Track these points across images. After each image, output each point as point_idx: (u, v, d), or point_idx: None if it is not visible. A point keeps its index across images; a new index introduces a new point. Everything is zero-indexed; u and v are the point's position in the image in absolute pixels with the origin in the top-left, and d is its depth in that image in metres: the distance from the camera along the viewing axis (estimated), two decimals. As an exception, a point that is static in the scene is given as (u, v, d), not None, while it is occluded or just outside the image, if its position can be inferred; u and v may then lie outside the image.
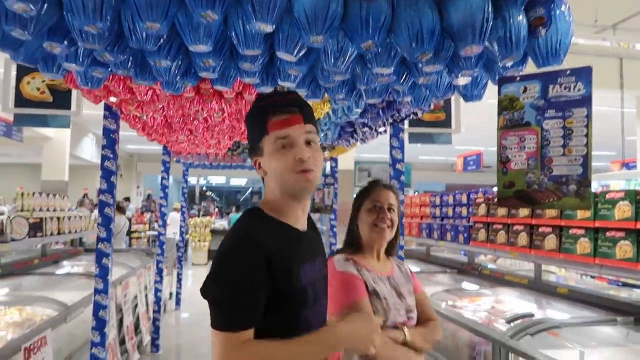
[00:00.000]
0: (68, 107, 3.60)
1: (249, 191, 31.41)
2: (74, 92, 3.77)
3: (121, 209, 8.98)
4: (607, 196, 2.65)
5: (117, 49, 1.66)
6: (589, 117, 1.50)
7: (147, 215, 13.29)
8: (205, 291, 1.16)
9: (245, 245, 1.16)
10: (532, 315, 2.80)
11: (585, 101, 1.51)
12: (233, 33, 1.57)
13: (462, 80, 1.96)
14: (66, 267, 5.13)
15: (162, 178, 5.75)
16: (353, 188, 10.62)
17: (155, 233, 12.28)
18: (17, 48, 1.69)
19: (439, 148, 13.29)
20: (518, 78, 1.62)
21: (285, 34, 1.58)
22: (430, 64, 1.68)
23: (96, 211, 7.31)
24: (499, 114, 1.67)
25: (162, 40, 1.65)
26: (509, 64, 1.69)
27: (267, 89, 2.17)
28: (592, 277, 4.77)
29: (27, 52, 1.75)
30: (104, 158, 3.08)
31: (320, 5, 1.42)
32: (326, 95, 2.31)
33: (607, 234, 2.63)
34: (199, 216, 14.63)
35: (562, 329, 2.57)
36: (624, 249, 2.52)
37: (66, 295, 3.42)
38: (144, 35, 1.54)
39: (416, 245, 6.21)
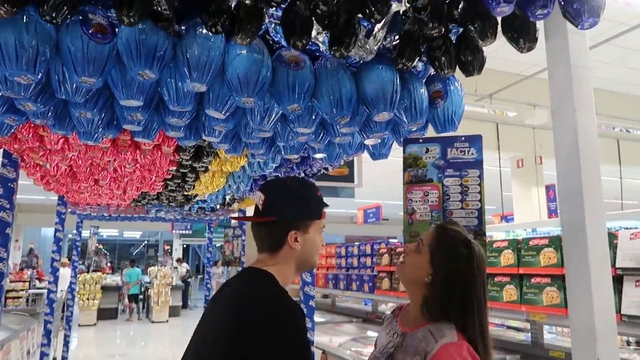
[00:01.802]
0: None
1: (143, 244, 29.73)
2: None
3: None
4: (494, 245, 3.00)
5: (41, 99, 1.65)
6: (481, 177, 1.76)
7: (28, 272, 12.03)
8: None
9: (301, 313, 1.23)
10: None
11: (478, 163, 1.77)
12: (165, 90, 1.64)
13: (372, 141, 2.18)
14: None
15: (56, 230, 5.35)
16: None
17: (37, 291, 11.14)
18: None
19: (341, 201, 13.83)
20: (421, 140, 1.86)
21: (216, 94, 1.68)
22: (347, 127, 1.87)
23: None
24: (404, 170, 1.88)
25: (90, 93, 1.67)
26: (414, 129, 1.94)
27: (190, 143, 2.23)
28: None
29: None
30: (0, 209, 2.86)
31: (252, 70, 1.56)
32: (245, 149, 2.42)
33: (495, 279, 2.95)
34: (88, 272, 13.52)
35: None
36: (510, 292, 2.84)
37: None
38: (73, 88, 1.55)
39: (321, 297, 6.32)
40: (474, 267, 1.31)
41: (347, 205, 17.24)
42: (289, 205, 1.36)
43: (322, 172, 3.27)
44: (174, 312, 13.47)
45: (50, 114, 1.83)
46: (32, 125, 2.25)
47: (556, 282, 2.51)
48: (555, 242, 2.56)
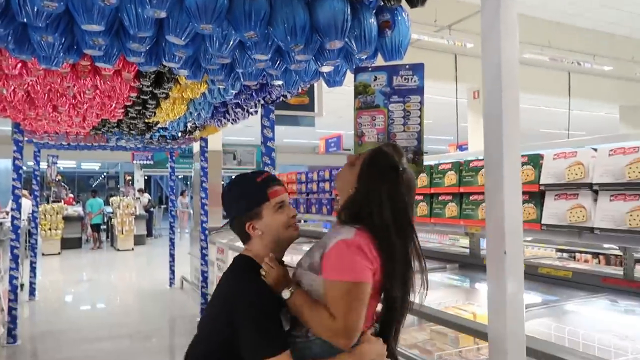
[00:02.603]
0: None
1: (103, 175, 29.28)
2: None
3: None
4: (439, 167, 3.27)
5: (0, 23, 1.69)
6: (422, 102, 1.95)
7: (-15, 203, 11.83)
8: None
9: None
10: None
11: (419, 90, 1.95)
12: (125, 15, 1.71)
13: (326, 68, 2.31)
14: None
15: (15, 159, 5.32)
16: (220, 171, 10.73)
17: (-3, 221, 11.06)
18: None
19: (303, 131, 13.96)
20: (370, 69, 2.01)
21: (176, 20, 1.77)
22: (301, 54, 2.00)
23: None
24: (355, 97, 2.04)
25: (51, 17, 1.71)
26: (364, 57, 2.08)
27: (150, 68, 2.31)
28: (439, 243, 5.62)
29: None
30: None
31: (209, -3, 1.64)
32: (205, 75, 2.51)
33: (440, 197, 3.25)
34: (48, 202, 13.40)
35: (406, 276, 3.14)
36: (452, 209, 3.15)
37: None
38: (35, 11, 1.60)
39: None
40: (399, 191, 1.44)
41: (310, 135, 17.41)
42: (233, 206, 1.60)
43: (281, 99, 3.39)
44: (139, 240, 13.70)
45: (10, 37, 1.86)
46: (-11, 49, 2.26)
47: (490, 199, 2.81)
48: (492, 164, 2.83)
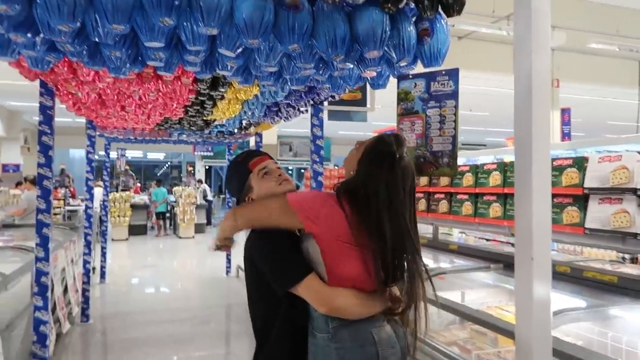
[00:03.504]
0: None
1: (167, 165, 30.69)
2: None
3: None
4: (484, 167, 3.28)
5: (77, 42, 1.92)
6: (456, 107, 2.02)
7: (62, 191, 12.82)
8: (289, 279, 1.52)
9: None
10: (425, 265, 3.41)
11: (454, 95, 2.02)
12: (182, 32, 1.90)
13: (369, 74, 2.41)
14: (-13, 242, 5.09)
15: (88, 152, 5.79)
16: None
17: (72, 208, 11.97)
18: (-18, 37, 1.89)
19: (357, 124, 14.00)
20: (410, 76, 2.10)
21: (227, 35, 1.93)
22: (342, 63, 2.11)
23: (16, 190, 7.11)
24: (398, 104, 2.14)
25: (119, 36, 1.93)
26: (403, 64, 2.16)
27: (206, 76, 2.50)
28: (487, 240, 5.56)
29: (-12, 40, 1.95)
30: (41, 133, 3.23)
31: (256, 15, 1.79)
32: (256, 80, 2.68)
33: (484, 197, 3.27)
34: (117, 191, 14.31)
35: (448, 274, 3.20)
36: (496, 209, 3.17)
37: (1, 267, 3.54)
38: (105, 32, 1.82)
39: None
40: (396, 177, 1.52)
41: (364, 127, 17.40)
42: (232, 190, 1.81)
43: (329, 99, 3.52)
44: (199, 229, 14.35)
45: (84, 53, 2.10)
46: (67, 60, 2.53)
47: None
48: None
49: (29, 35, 1.86)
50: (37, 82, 3.19)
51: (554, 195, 2.72)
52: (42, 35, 1.85)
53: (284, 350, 1.60)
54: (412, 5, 2.10)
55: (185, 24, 1.85)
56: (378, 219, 1.50)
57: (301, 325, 1.60)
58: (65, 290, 5.09)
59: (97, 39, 1.87)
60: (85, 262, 5.58)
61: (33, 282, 3.22)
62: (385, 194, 1.50)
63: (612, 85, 10.70)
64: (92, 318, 5.57)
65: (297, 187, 1.81)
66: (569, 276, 2.93)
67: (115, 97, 3.58)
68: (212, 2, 1.72)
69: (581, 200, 2.55)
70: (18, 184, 10.13)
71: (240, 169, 1.77)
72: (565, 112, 10.38)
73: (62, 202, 12.38)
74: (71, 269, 5.40)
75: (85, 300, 5.48)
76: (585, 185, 2.49)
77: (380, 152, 1.56)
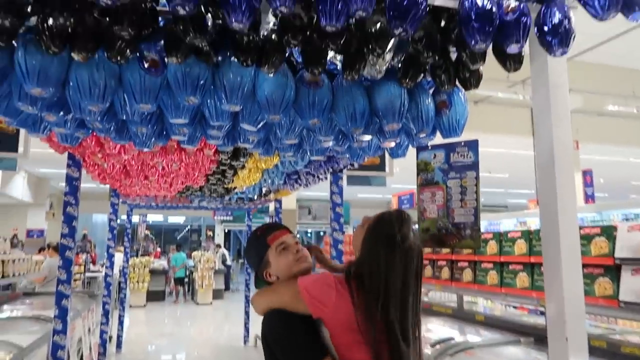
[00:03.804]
0: (15, 149, 3.79)
1: (187, 228, 30.86)
2: (22, 136, 3.96)
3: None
4: (508, 235, 3.21)
5: (106, 119, 2.00)
6: (477, 178, 2.00)
7: (83, 256, 12.91)
8: None
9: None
10: (452, 339, 3.26)
11: (475, 166, 2.01)
12: (206, 109, 1.96)
13: (388, 144, 2.43)
14: (7, 311, 5.08)
15: (110, 220, 5.87)
16: (296, 226, 11.01)
17: (92, 275, 11.99)
18: (16, 116, 1.98)
19: (376, 187, 14.03)
20: (430, 147, 2.11)
21: (249, 111, 1.98)
22: (361, 135, 2.14)
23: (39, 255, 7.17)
24: (417, 174, 2.14)
25: (145, 114, 2.00)
26: (422, 135, 2.18)
27: (227, 148, 2.55)
28: (515, 307, 5.35)
29: (21, 119, 2.04)
30: (66, 204, 3.30)
31: (277, 92, 1.84)
32: (276, 151, 2.72)
33: (510, 267, 3.17)
34: (137, 256, 14.35)
35: (476, 349, 3.05)
36: (523, 279, 3.06)
37: (19, 338, 3.51)
38: (133, 111, 1.89)
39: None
40: (394, 260, 1.48)
41: (383, 191, 17.43)
42: (251, 264, 1.83)
43: (348, 167, 3.54)
44: (217, 295, 14.16)
45: (112, 129, 2.18)
46: (95, 135, 2.62)
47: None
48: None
49: (60, 114, 1.94)
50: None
51: (583, 266, 2.62)
52: (72, 114, 1.93)
53: None
54: (430, 79, 2.16)
55: (209, 101, 1.92)
56: (385, 302, 1.46)
57: None
58: (81, 360, 4.99)
59: (124, 117, 1.94)
60: (102, 332, 5.50)
61: (49, 355, 3.16)
62: (384, 278, 1.47)
63: (632, 146, 10.62)
64: (107, 391, 5.41)
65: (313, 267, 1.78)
66: (605, 351, 2.76)
67: (139, 167, 3.66)
68: (235, 81, 1.78)
69: (613, 271, 2.45)
70: (41, 250, 10.25)
71: (258, 244, 1.77)
72: (587, 173, 10.28)
73: (82, 267, 12.44)
74: (88, 339, 5.32)
75: (101, 371, 5.35)
76: (617, 256, 2.40)
77: (380, 234, 1.54)
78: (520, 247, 3.08)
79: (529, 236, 3.03)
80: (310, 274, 1.71)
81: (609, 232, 2.50)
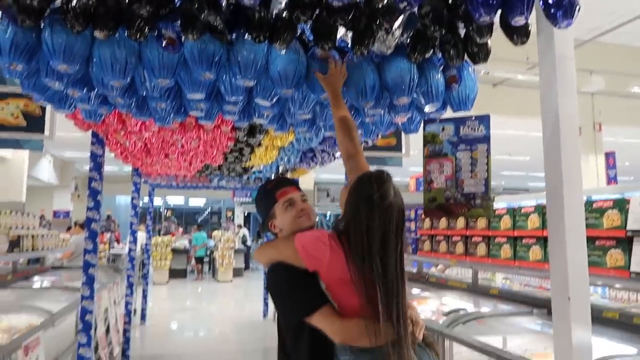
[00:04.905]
0: (42, 131, 3.93)
1: (207, 211, 31.34)
2: (47, 118, 4.10)
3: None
4: (522, 210, 3.24)
5: (127, 95, 2.09)
6: (488, 150, 2.05)
7: (107, 235, 13.29)
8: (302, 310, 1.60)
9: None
10: (464, 309, 3.33)
11: (486, 139, 2.05)
12: (222, 85, 2.03)
13: (400, 119, 2.48)
14: (37, 282, 5.33)
15: (133, 198, 6.05)
16: (315, 208, 11.16)
17: (116, 252, 12.35)
18: (44, 92, 2.09)
19: (393, 169, 14.01)
20: (438, 120, 2.15)
21: (262, 87, 2.05)
22: (372, 109, 2.19)
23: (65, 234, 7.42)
24: (424, 145, 2.19)
25: (164, 90, 2.08)
26: (432, 109, 2.22)
27: (243, 124, 2.63)
28: (533, 287, 5.37)
29: (49, 95, 2.15)
30: (91, 179, 3.43)
31: (289, 68, 1.91)
32: (291, 127, 2.79)
33: (523, 241, 3.21)
34: (159, 235, 14.70)
35: (488, 318, 3.11)
36: (535, 252, 3.10)
37: (49, 305, 3.70)
38: (152, 86, 1.97)
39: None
40: (373, 219, 1.54)
41: (401, 172, 17.39)
42: (259, 212, 1.93)
43: (362, 144, 3.59)
44: (237, 273, 14.47)
45: (133, 105, 2.27)
46: (117, 112, 2.73)
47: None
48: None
49: (84, 90, 2.04)
50: (89, 133, 3.42)
51: (596, 238, 2.66)
52: (96, 90, 2.03)
53: None
54: (440, 55, 2.19)
55: (224, 77, 1.99)
56: (368, 259, 1.53)
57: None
58: (107, 330, 5.21)
59: (144, 93, 2.03)
60: (127, 304, 5.72)
61: (78, 320, 3.34)
62: (365, 236, 1.54)
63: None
64: (132, 359, 5.64)
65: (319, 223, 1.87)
66: (619, 322, 2.81)
67: (160, 145, 3.78)
68: (249, 57, 1.85)
69: (625, 243, 2.48)
70: (69, 229, 10.60)
71: (268, 196, 1.86)
72: (609, 155, 10.09)
73: (107, 246, 12.82)
74: (114, 310, 5.55)
75: (126, 340, 5.59)
76: (629, 228, 2.42)
77: (360, 194, 1.60)
78: (534, 221, 3.11)
79: (542, 210, 3.06)
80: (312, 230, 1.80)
81: (621, 205, 2.52)
